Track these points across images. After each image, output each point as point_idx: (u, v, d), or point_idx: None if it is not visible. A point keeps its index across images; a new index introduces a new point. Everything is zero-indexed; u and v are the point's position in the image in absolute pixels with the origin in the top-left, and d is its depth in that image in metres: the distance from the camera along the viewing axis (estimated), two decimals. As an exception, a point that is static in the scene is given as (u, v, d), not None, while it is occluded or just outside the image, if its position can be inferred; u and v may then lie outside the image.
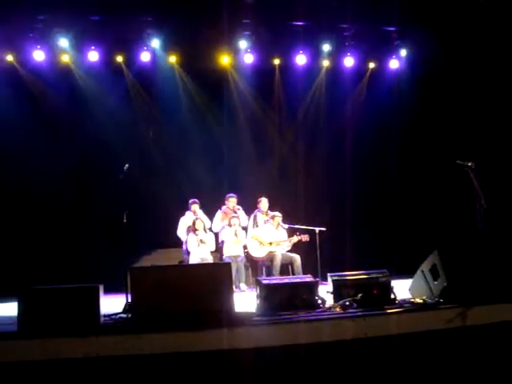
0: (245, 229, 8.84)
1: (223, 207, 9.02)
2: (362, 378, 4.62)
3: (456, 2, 9.10)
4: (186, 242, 8.61)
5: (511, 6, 9.06)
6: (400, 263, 8.75)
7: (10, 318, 5.05)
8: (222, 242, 8.74)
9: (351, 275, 5.58)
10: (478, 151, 10.14)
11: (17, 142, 9.29)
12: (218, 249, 8.79)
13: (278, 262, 8.28)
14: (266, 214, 8.89)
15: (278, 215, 8.75)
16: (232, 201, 8.95)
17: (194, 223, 8.57)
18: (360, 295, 5.25)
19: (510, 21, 9.27)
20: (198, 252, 8.41)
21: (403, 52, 10.46)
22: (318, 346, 4.57)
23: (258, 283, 5.36)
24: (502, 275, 5.32)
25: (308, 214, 9.68)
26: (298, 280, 5.69)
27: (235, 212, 8.86)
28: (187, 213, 8.89)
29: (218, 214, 9.00)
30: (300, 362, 4.51)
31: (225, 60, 10.09)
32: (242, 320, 4.74)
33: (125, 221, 6.21)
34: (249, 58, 10.04)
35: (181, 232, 8.83)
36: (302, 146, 10.69)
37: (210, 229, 8.86)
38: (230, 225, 8.67)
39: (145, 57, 9.64)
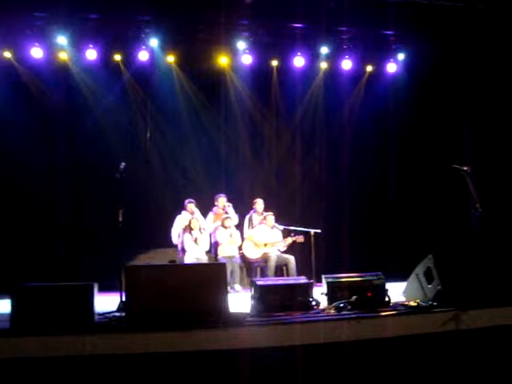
0: (237, 227, 8.84)
1: (214, 208, 9.03)
2: (356, 380, 4.63)
3: (454, 6, 9.13)
4: (182, 242, 8.61)
5: (509, 12, 9.11)
6: (395, 266, 8.78)
7: (3, 315, 5.04)
8: (216, 242, 8.74)
9: (346, 277, 5.60)
10: (475, 156, 10.18)
11: (13, 140, 9.25)
12: (212, 250, 8.80)
13: (272, 263, 8.29)
14: (261, 215, 8.91)
15: (270, 215, 8.75)
16: (221, 200, 8.97)
17: (189, 222, 8.58)
18: (354, 297, 5.26)
19: (507, 26, 9.32)
20: (194, 251, 8.42)
21: (401, 56, 10.47)
22: (312, 348, 4.57)
23: (253, 284, 5.37)
24: (496, 279, 5.35)
25: (304, 216, 9.70)
26: (293, 281, 5.70)
27: (226, 211, 8.87)
28: (183, 212, 8.88)
29: (210, 215, 9.01)
30: (294, 363, 4.51)
31: (223, 60, 10.07)
32: (236, 321, 4.74)
33: (120, 219, 6.20)
34: (247, 59, 10.02)
35: (174, 231, 8.83)
36: (298, 148, 10.67)
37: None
38: (224, 226, 8.67)
39: (143, 56, 9.61)
